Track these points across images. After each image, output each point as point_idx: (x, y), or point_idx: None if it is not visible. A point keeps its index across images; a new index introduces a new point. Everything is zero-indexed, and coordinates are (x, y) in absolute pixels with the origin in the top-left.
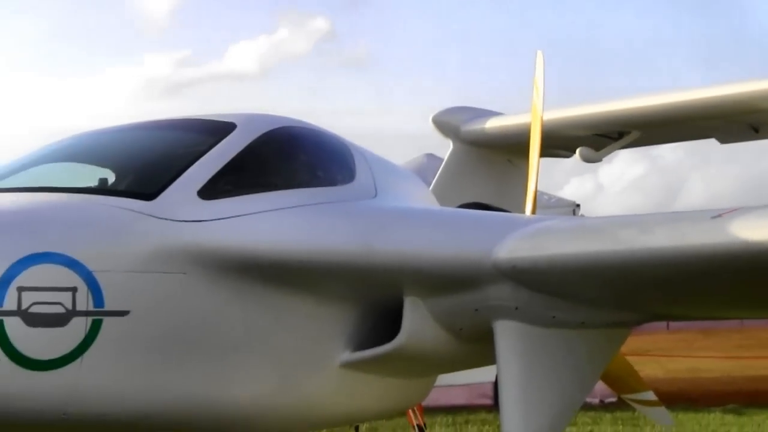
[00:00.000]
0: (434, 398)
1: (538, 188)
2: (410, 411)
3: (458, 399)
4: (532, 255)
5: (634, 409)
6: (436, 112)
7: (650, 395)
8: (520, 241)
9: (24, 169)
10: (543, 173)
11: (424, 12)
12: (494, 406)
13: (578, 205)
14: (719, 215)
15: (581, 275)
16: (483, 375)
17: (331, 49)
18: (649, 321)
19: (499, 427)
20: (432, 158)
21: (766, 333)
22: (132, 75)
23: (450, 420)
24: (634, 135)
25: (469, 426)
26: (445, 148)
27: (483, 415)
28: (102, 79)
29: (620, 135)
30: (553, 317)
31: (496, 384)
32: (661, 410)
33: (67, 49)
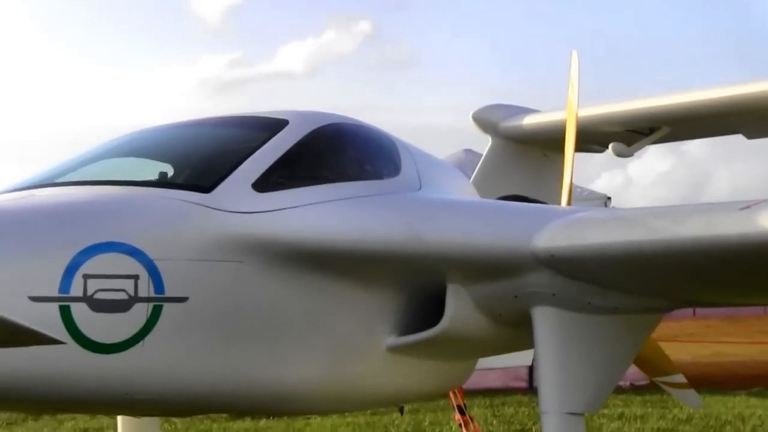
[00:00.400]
0: (472, 381)
1: (572, 184)
2: (451, 393)
3: (495, 382)
4: (569, 244)
5: (662, 392)
6: (475, 109)
7: (680, 378)
8: (558, 231)
9: (89, 164)
10: (575, 167)
11: (462, 15)
12: (529, 389)
13: (609, 198)
14: (747, 207)
15: (616, 263)
16: (518, 359)
17: (374, 49)
18: (680, 307)
19: (534, 408)
20: (470, 153)
21: None
22: (186, 74)
23: (487, 402)
24: (664, 131)
25: (506, 407)
26: (482, 144)
27: (519, 398)
28: (158, 78)
29: (651, 131)
30: (589, 303)
31: (530, 368)
32: (690, 392)
33: (125, 48)
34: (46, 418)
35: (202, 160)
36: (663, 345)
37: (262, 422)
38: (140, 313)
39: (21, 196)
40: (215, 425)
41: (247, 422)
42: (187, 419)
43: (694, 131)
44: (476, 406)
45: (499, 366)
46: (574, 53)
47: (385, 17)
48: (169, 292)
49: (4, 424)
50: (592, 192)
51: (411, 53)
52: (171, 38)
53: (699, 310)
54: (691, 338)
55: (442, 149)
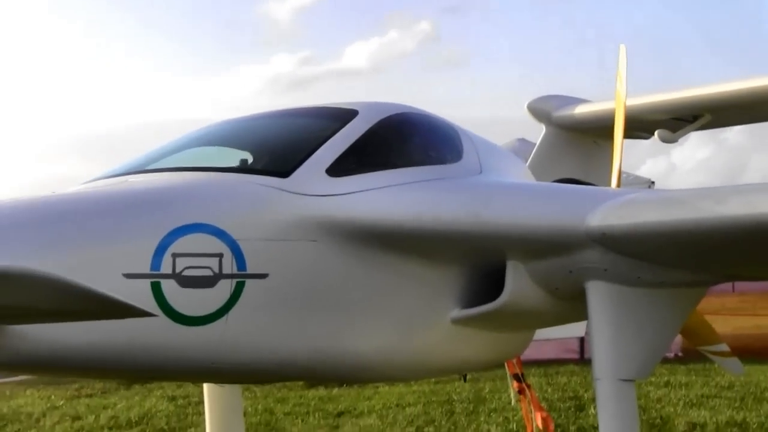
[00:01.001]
0: (528, 353)
1: (621, 168)
2: (510, 362)
3: (549, 353)
4: (620, 223)
5: (705, 362)
6: (529, 100)
7: (723, 347)
8: (609, 211)
9: (176, 152)
10: (623, 153)
11: (514, 15)
12: (580, 360)
13: (653, 182)
14: None
15: (663, 241)
16: (571, 331)
17: (434, 48)
18: (722, 281)
19: (585, 377)
20: (523, 142)
21: None
22: (259, 73)
23: (542, 372)
24: (707, 118)
25: (559, 377)
26: (534, 133)
27: (571, 368)
28: (233, 77)
29: (694, 118)
30: (638, 278)
31: (582, 339)
32: (733, 360)
33: (204, 51)
34: (136, 387)
35: (279, 147)
36: (706, 318)
37: (335, 391)
38: (224, 288)
39: (116, 182)
40: (291, 393)
41: (321, 390)
42: (266, 387)
43: (734, 118)
44: (532, 376)
45: (553, 338)
46: (622, 47)
47: (443, 18)
48: (250, 269)
49: (99, 393)
50: (637, 177)
51: (467, 52)
52: (246, 40)
53: (738, 286)
54: (731, 312)
55: (497, 139)
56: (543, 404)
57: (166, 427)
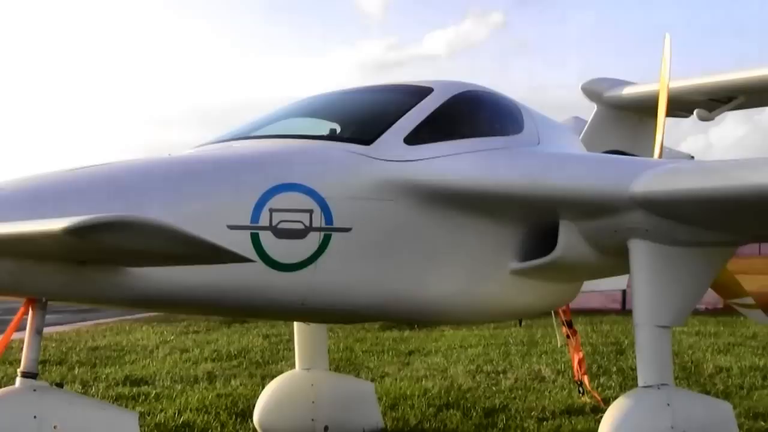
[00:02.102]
0: (575, 302)
1: (663, 143)
2: (560, 310)
3: (594, 303)
4: (661, 189)
5: (732, 315)
6: (583, 82)
7: (749, 300)
8: (652, 178)
9: (274, 122)
10: (666, 131)
11: (572, 6)
12: (622, 310)
13: (692, 157)
14: None
15: (699, 205)
16: (614, 284)
17: (504, 37)
18: (750, 242)
19: (626, 325)
20: (578, 120)
21: None
22: (349, 57)
23: (588, 320)
24: (741, 99)
25: (603, 325)
26: (587, 112)
27: (613, 317)
28: (325, 61)
29: (729, 99)
30: (675, 237)
31: (624, 292)
32: (758, 312)
33: (300, 35)
34: (236, 325)
35: (364, 119)
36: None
37: (406, 333)
38: (313, 239)
39: (222, 146)
40: (369, 334)
41: (395, 332)
42: (347, 328)
43: (764, 100)
44: (578, 323)
45: (599, 289)
46: (667, 36)
47: (514, 10)
48: (336, 224)
49: (204, 330)
50: (678, 152)
51: (534, 41)
52: (338, 28)
53: (765, 249)
54: (758, 272)
55: (555, 117)
56: (588, 348)
57: (260, 360)
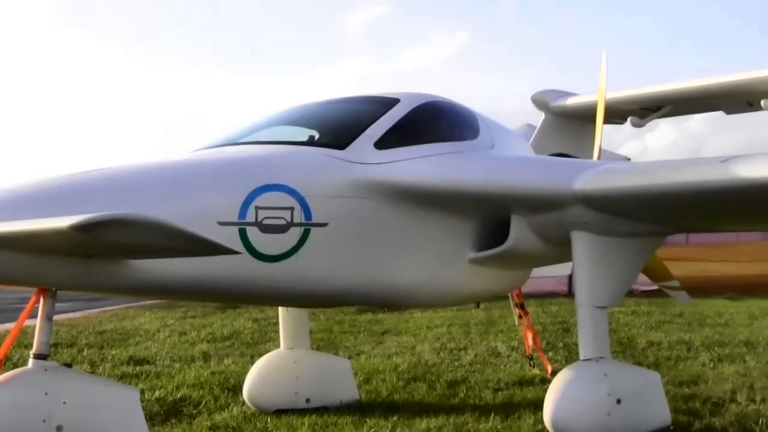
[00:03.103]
0: (527, 286)
1: (602, 146)
2: (513, 293)
3: (544, 287)
4: (598, 187)
5: (663, 297)
6: (533, 93)
7: (676, 283)
8: (591, 177)
9: (260, 130)
10: (605, 137)
11: (528, 31)
12: (568, 293)
13: (629, 159)
14: (726, 160)
15: (631, 200)
16: (561, 270)
17: (468, 54)
18: (676, 232)
19: (571, 306)
20: (529, 126)
21: (754, 246)
22: (333, 73)
23: (539, 302)
24: (668, 108)
25: (552, 306)
26: (537, 119)
27: (561, 299)
28: (312, 77)
29: (658, 108)
30: (612, 229)
31: (570, 277)
32: (683, 294)
33: (291, 54)
34: (228, 311)
35: (339, 126)
36: (664, 263)
37: (379, 315)
38: (294, 234)
39: (213, 151)
40: (346, 317)
41: (369, 315)
42: (327, 311)
43: (689, 108)
44: (530, 305)
45: (547, 275)
46: (604, 53)
47: (477, 31)
48: (315, 219)
49: (200, 315)
50: (617, 155)
51: (494, 57)
52: (324, 46)
53: (691, 239)
54: (685, 259)
55: (509, 124)
56: (538, 327)
57: (250, 341)
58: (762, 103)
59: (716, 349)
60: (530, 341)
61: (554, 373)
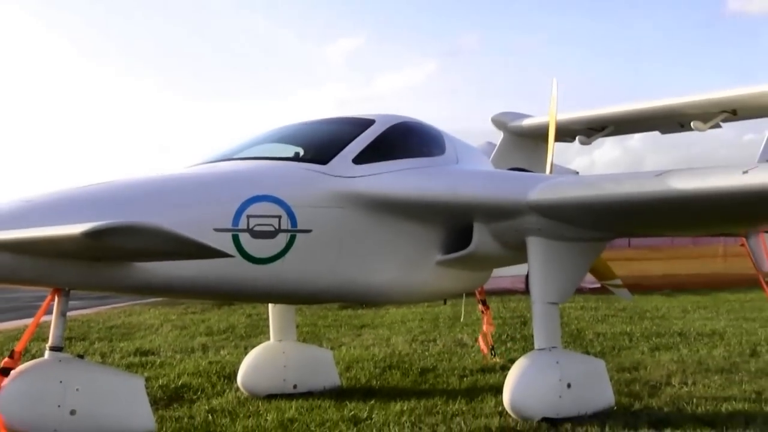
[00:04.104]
0: (489, 284)
1: (553, 162)
2: (477, 291)
3: (504, 285)
4: (550, 197)
5: (608, 294)
6: (492, 114)
7: (618, 281)
8: (543, 189)
9: (251, 147)
10: (557, 152)
11: (492, 57)
12: (525, 290)
13: (578, 173)
14: (660, 174)
15: (579, 209)
16: (519, 270)
17: (437, 80)
18: (619, 237)
19: (528, 302)
20: (489, 144)
21: (686, 249)
22: (315, 97)
23: (499, 299)
24: (611, 128)
25: (511, 302)
26: (497, 138)
27: (519, 296)
28: (296, 101)
29: (602, 128)
30: (561, 234)
31: (526, 276)
32: (625, 291)
33: (275, 79)
34: (225, 307)
35: (321, 144)
36: (608, 263)
37: (359, 311)
38: (282, 239)
39: (209, 166)
40: (329, 312)
41: (350, 311)
42: (312, 308)
43: (628, 129)
44: (491, 301)
45: (507, 275)
46: (554, 80)
47: (445, 60)
48: (300, 227)
49: (199, 311)
50: (567, 169)
51: (460, 83)
52: (307, 73)
53: (632, 243)
54: (627, 260)
55: (472, 142)
56: (498, 321)
57: (244, 334)
58: (692, 124)
59: (654, 339)
60: (485, 329)
61: (512, 361)
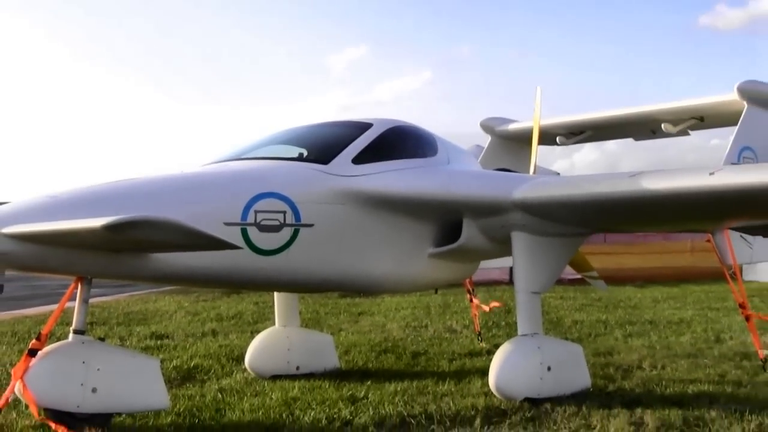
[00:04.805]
0: (477, 276)
1: (537, 163)
2: (466, 281)
3: (491, 276)
4: (533, 196)
5: (585, 284)
6: (481, 119)
7: (595, 273)
8: (527, 188)
9: (260, 147)
10: (540, 155)
11: (481, 66)
12: (509, 282)
13: (559, 174)
14: (634, 175)
15: (560, 207)
16: (504, 263)
17: (432, 87)
18: (596, 233)
19: (512, 293)
20: (478, 147)
21: (658, 245)
22: (320, 103)
23: (486, 289)
24: (589, 133)
25: (497, 292)
26: (485, 141)
27: (504, 286)
28: (303, 106)
29: (581, 132)
30: (544, 230)
31: (511, 268)
32: (601, 282)
33: (284, 87)
34: (234, 295)
35: (323, 145)
36: (586, 256)
37: (357, 299)
38: (286, 233)
39: (221, 165)
40: (330, 300)
41: (348, 299)
42: (314, 296)
43: (605, 135)
44: (479, 291)
45: (493, 267)
46: (538, 88)
47: (439, 69)
48: (303, 221)
49: (210, 299)
50: (549, 170)
51: (453, 90)
52: (313, 80)
53: (608, 238)
54: (603, 254)
55: (463, 144)
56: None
57: (251, 320)
58: (663, 126)
59: (627, 326)
60: (476, 317)
61: (497, 346)
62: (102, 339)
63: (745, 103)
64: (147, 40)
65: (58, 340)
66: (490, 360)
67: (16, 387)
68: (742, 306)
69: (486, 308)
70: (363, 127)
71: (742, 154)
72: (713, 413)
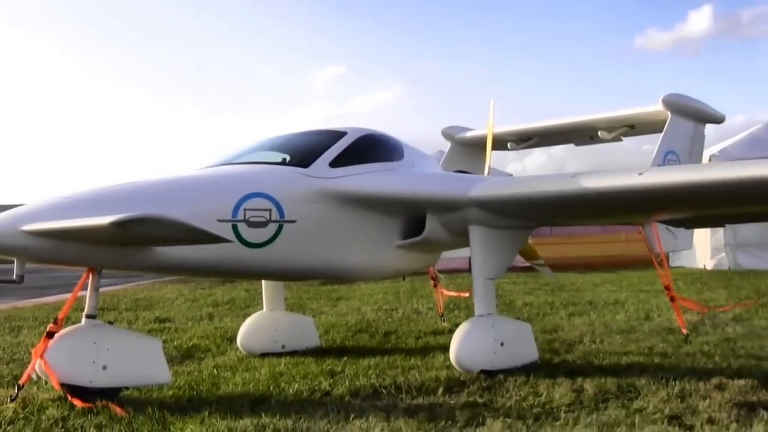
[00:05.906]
0: (440, 264)
1: (491, 166)
2: (430, 269)
3: (453, 265)
4: (487, 194)
5: (534, 271)
6: (442, 128)
7: (542, 262)
8: (482, 188)
9: (247, 154)
10: (495, 159)
11: (446, 80)
12: (468, 270)
13: (511, 175)
14: (575, 175)
15: (510, 203)
16: (464, 252)
17: (404, 100)
18: (542, 226)
19: (471, 278)
20: (440, 152)
21: (597, 236)
22: (305, 115)
23: (447, 276)
24: (535, 140)
25: (458, 279)
26: (446, 146)
27: (464, 274)
28: (287, 117)
29: (529, 139)
30: (497, 223)
31: (469, 258)
32: (547, 269)
33: (270, 100)
34: (227, 284)
35: (304, 151)
36: (534, 246)
37: (335, 286)
38: (272, 228)
39: (215, 169)
40: (311, 287)
41: (328, 286)
42: (298, 283)
43: (549, 141)
44: (443, 278)
45: (454, 256)
46: (491, 101)
47: (410, 84)
48: (287, 218)
49: (207, 287)
50: (503, 172)
51: (423, 103)
52: (296, 95)
53: (554, 231)
54: (549, 244)
55: (427, 150)
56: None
57: (242, 305)
58: (599, 133)
59: (570, 307)
60: (440, 301)
61: (457, 325)
62: (111, 322)
63: (669, 113)
64: (146, 50)
65: (73, 323)
66: (451, 338)
67: (37, 364)
68: (667, 288)
69: (465, 294)
70: (338, 135)
71: (666, 157)
72: (643, 380)
